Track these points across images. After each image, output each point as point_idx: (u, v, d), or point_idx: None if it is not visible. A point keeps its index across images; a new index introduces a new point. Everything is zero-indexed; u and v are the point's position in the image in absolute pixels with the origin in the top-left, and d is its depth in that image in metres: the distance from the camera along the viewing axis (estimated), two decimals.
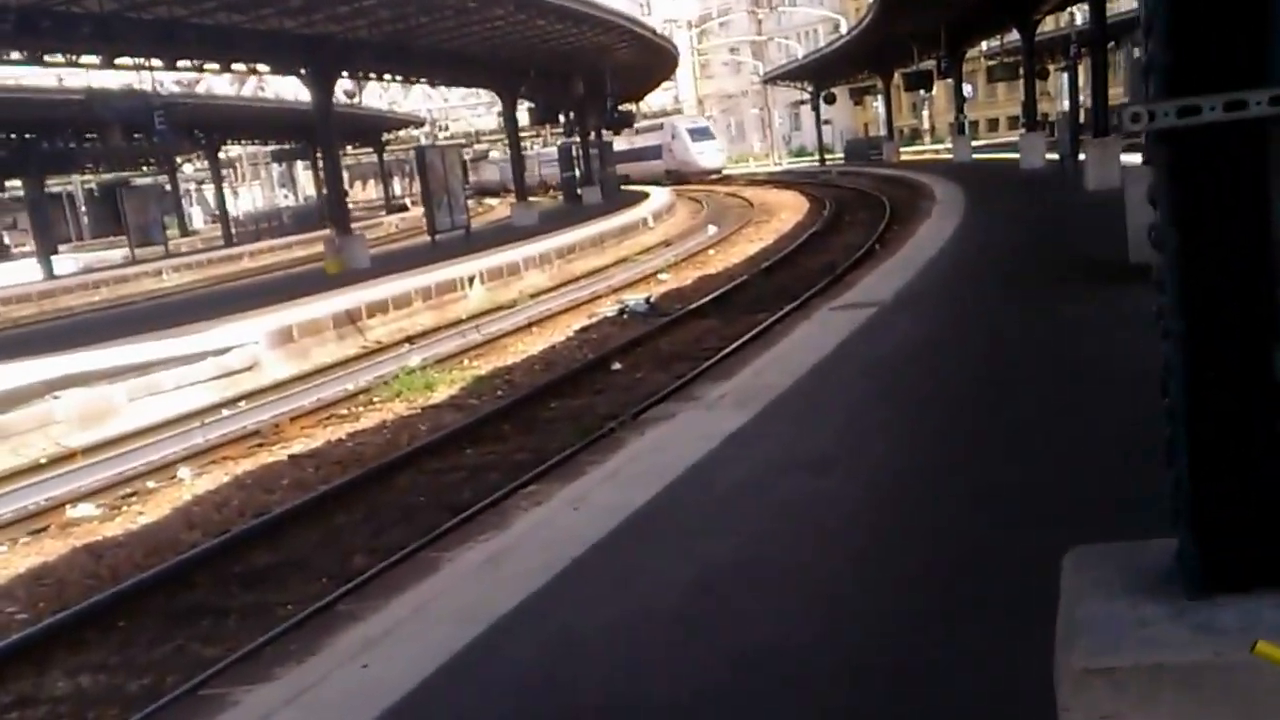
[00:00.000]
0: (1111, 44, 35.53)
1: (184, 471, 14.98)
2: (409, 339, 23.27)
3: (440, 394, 18.02)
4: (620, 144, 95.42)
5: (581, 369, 18.24)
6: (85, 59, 30.67)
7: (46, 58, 29.73)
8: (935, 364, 11.91)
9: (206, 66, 35.05)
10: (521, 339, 22.31)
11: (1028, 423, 9.07)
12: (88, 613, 9.94)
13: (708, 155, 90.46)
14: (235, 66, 35.55)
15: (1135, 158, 27.90)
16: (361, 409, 17.72)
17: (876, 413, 10.13)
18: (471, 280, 28.93)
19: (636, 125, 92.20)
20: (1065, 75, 41.82)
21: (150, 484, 14.61)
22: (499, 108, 59.51)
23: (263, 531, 11.69)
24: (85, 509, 13.70)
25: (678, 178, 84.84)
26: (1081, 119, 39.56)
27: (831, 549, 6.83)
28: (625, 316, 23.57)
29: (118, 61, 30.92)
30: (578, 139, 65.03)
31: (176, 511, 13.47)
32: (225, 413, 18.32)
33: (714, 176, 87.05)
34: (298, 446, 15.83)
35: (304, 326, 22.77)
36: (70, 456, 16.07)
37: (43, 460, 16.11)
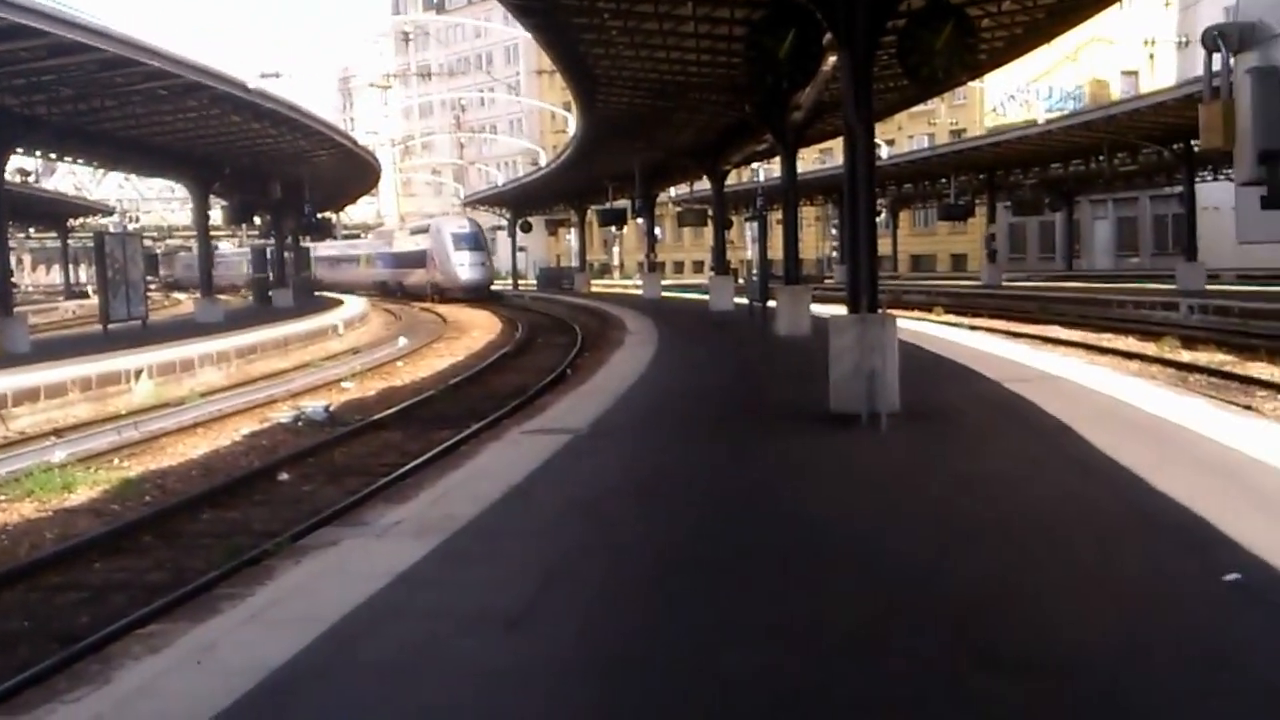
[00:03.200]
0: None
1: None
2: (56, 431, 20.45)
3: (79, 496, 15.39)
4: (376, 245, 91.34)
5: (244, 477, 15.99)
6: None
7: None
8: (641, 505, 10.35)
9: None
10: (184, 439, 19.79)
11: (738, 590, 7.56)
12: None
13: (470, 269, 70.71)
14: None
15: (825, 308, 27.78)
16: None
17: (579, 558, 8.43)
18: (139, 373, 26.18)
19: (410, 226, 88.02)
20: (754, 224, 42.45)
21: None
22: None
23: None
24: None
25: (438, 292, 71.09)
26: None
27: None
28: (301, 424, 21.38)
29: None
30: (273, 241, 62.31)
31: None
32: None
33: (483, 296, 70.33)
34: None
35: None
36: None
37: None
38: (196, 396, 25.06)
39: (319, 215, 62.16)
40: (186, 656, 6.38)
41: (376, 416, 21.59)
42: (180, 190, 78.28)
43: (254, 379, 29.15)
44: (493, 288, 73.16)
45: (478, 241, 72.66)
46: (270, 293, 58.85)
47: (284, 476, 16.20)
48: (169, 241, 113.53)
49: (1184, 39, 70.44)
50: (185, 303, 71.72)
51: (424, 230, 78.68)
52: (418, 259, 76.01)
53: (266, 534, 12.48)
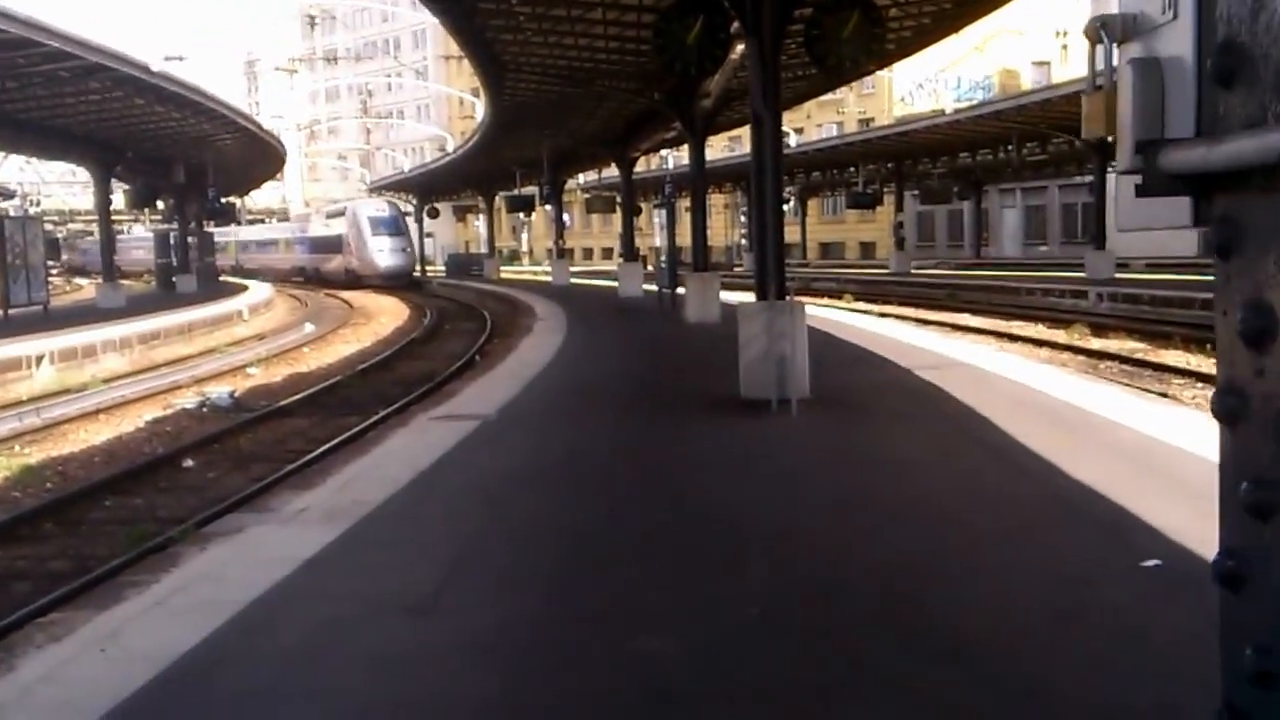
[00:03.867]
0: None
1: None
2: None
3: None
4: (290, 230, 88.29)
5: (148, 464, 15.79)
6: None
7: None
8: (549, 491, 10.38)
9: None
10: (86, 426, 19.47)
11: (645, 573, 7.62)
12: None
13: (388, 255, 67.81)
14: None
15: (734, 295, 27.92)
16: None
17: (486, 544, 8.45)
18: (40, 359, 25.73)
19: (327, 209, 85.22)
20: (663, 212, 42.60)
21: None
22: None
23: None
24: None
25: (354, 281, 67.70)
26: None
27: None
28: (206, 410, 21.13)
29: None
30: (176, 226, 61.31)
31: None
32: None
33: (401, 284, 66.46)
34: None
35: None
36: None
37: None
38: (99, 383, 24.66)
39: (223, 200, 61.21)
40: (90, 644, 6.33)
41: (283, 403, 21.40)
42: (83, 174, 76.71)
43: (158, 365, 28.73)
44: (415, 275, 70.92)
45: (397, 226, 69.84)
46: (174, 278, 57.97)
47: (189, 463, 16.03)
48: (71, 226, 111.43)
49: None
50: (87, 288, 70.42)
51: (340, 214, 75.25)
52: (334, 244, 72.90)
53: (171, 521, 12.33)
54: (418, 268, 73.40)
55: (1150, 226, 2.10)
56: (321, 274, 74.55)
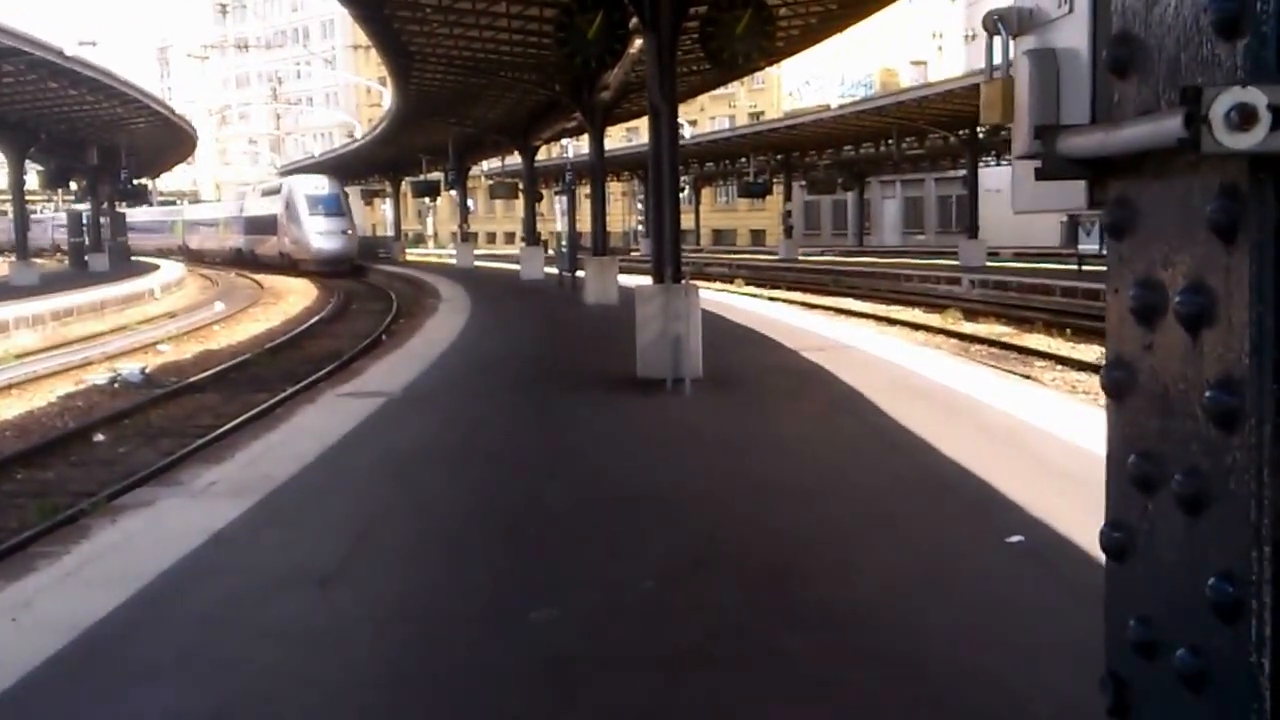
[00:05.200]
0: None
1: None
2: None
3: None
4: (227, 209, 79.24)
5: (59, 439, 15.38)
6: None
7: None
8: (452, 466, 10.27)
9: None
10: None
11: (547, 535, 7.56)
12: None
13: (327, 237, 57.44)
14: None
15: (631, 278, 27.90)
16: None
17: (390, 518, 8.34)
18: None
19: (258, 185, 75.96)
20: (564, 198, 42.50)
21: None
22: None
23: None
24: None
25: (290, 264, 59.27)
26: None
27: (335, 707, 5.05)
28: (117, 386, 20.63)
29: None
30: (89, 206, 59.96)
31: None
32: None
33: (342, 270, 56.49)
34: None
35: None
36: None
37: None
38: (11, 358, 24.03)
39: (136, 181, 60.02)
40: (1, 614, 6.13)
41: (193, 379, 20.96)
42: None
43: (70, 341, 28.06)
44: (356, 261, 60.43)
45: (338, 205, 59.32)
46: (86, 257, 56.73)
47: (100, 438, 15.66)
48: None
49: (971, 33, 72.56)
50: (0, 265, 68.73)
51: (276, 191, 64.88)
52: (268, 224, 63.27)
53: (82, 494, 12.03)
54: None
55: (1046, 209, 2.12)
56: (257, 256, 66.47)
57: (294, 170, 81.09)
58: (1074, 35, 1.95)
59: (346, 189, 66.32)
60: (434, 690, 5.16)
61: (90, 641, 5.64)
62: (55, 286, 38.80)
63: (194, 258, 74.45)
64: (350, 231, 59.64)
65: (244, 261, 67.94)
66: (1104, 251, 1.74)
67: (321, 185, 60.28)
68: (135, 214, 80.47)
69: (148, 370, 22.34)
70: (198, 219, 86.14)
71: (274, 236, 62.47)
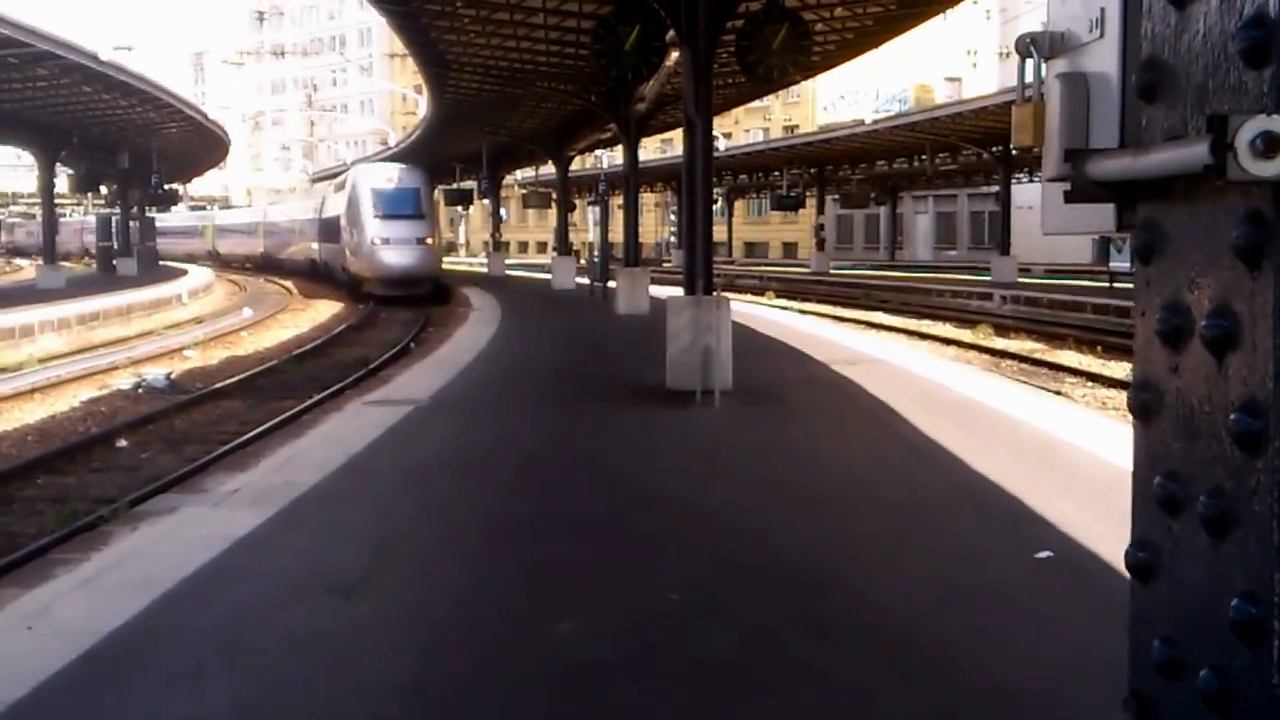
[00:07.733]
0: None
1: None
2: None
3: None
4: (294, 210, 63.28)
5: (81, 443, 15.44)
6: None
7: None
8: (479, 475, 10.28)
9: None
10: (20, 405, 18.99)
11: (571, 554, 7.56)
12: None
13: (396, 250, 39.99)
14: None
15: (662, 289, 27.92)
16: None
17: (414, 527, 8.35)
18: None
19: (312, 176, 68.77)
20: (597, 209, 42.54)
21: None
22: None
23: None
24: None
25: (354, 283, 42.97)
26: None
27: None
28: (142, 391, 20.74)
29: None
30: (119, 210, 60.34)
31: None
32: None
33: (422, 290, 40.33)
34: None
35: None
36: None
37: None
38: (35, 362, 24.20)
39: (166, 186, 60.39)
40: (17, 621, 6.16)
41: (218, 385, 21.04)
42: (28, 157, 75.26)
43: (95, 346, 28.25)
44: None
45: (415, 204, 41.72)
46: (114, 261, 57.10)
47: (123, 443, 15.71)
48: (13, 208, 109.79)
49: (1005, 50, 72.43)
50: (27, 269, 69.19)
51: (342, 187, 46.20)
52: (331, 230, 46.74)
53: (103, 500, 12.05)
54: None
55: (1075, 231, 2.13)
56: (329, 268, 49.15)
57: (325, 177, 74.57)
58: (1104, 60, 1.97)
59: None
60: (459, 698, 5.15)
61: (107, 649, 5.65)
62: (82, 290, 39.06)
63: (225, 268, 72.37)
64: (433, 237, 42.76)
65: (273, 268, 62.84)
66: (1134, 270, 1.75)
67: (393, 176, 43.10)
68: (165, 219, 79.97)
69: (173, 375, 22.44)
70: (226, 224, 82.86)
71: (335, 244, 45.94)
